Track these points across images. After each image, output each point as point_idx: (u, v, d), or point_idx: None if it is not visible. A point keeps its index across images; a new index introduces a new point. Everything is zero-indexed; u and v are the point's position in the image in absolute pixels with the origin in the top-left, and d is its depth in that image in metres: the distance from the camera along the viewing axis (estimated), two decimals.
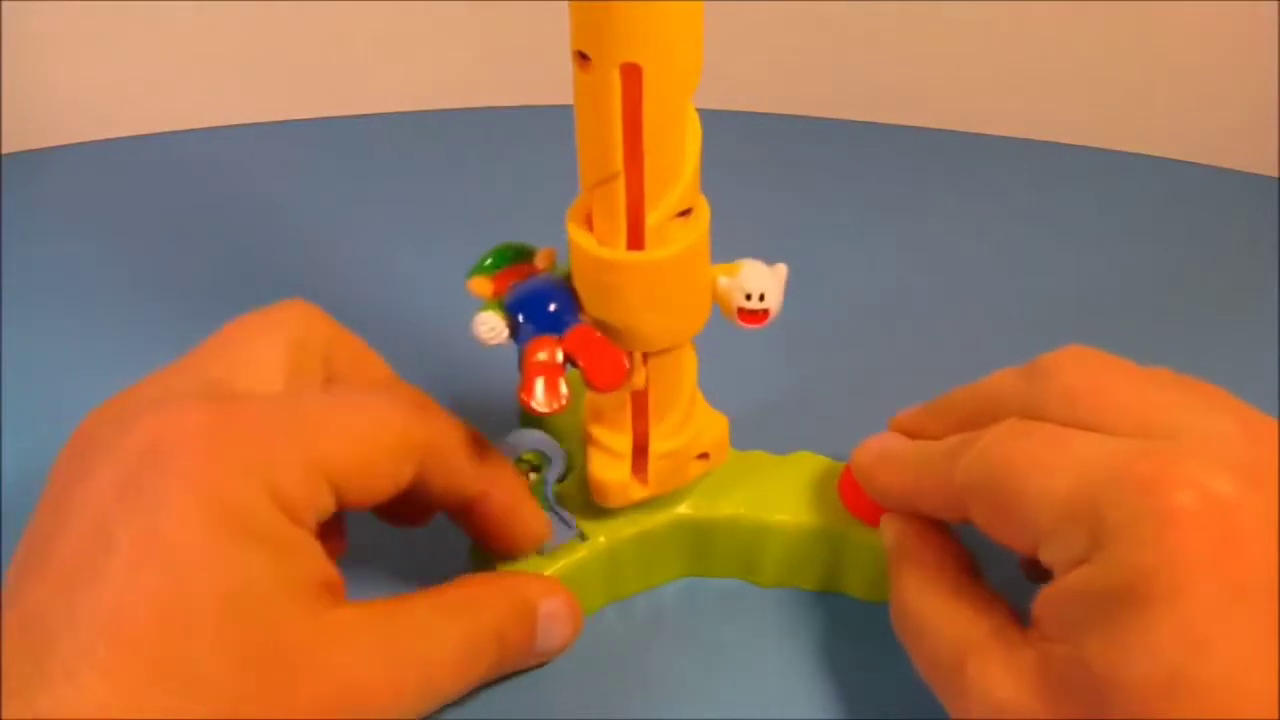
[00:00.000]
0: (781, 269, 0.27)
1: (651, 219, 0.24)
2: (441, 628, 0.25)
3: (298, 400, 0.24)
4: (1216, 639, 0.20)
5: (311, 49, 0.49)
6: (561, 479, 0.30)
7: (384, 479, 0.25)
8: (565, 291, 0.26)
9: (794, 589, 0.31)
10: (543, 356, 0.25)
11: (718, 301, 0.27)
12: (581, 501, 0.30)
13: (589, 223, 0.25)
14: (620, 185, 0.24)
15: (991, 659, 0.24)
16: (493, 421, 0.34)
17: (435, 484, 0.26)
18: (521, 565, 0.29)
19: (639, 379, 0.27)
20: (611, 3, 0.21)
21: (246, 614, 0.21)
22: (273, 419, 0.23)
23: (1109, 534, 0.21)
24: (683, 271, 0.25)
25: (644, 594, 0.31)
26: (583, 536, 0.30)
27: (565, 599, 0.28)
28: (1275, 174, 0.48)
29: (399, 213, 0.46)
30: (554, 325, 0.26)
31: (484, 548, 0.29)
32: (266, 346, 0.25)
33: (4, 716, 0.19)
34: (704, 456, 0.29)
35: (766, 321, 0.26)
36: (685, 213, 0.25)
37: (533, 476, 0.29)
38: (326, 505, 0.24)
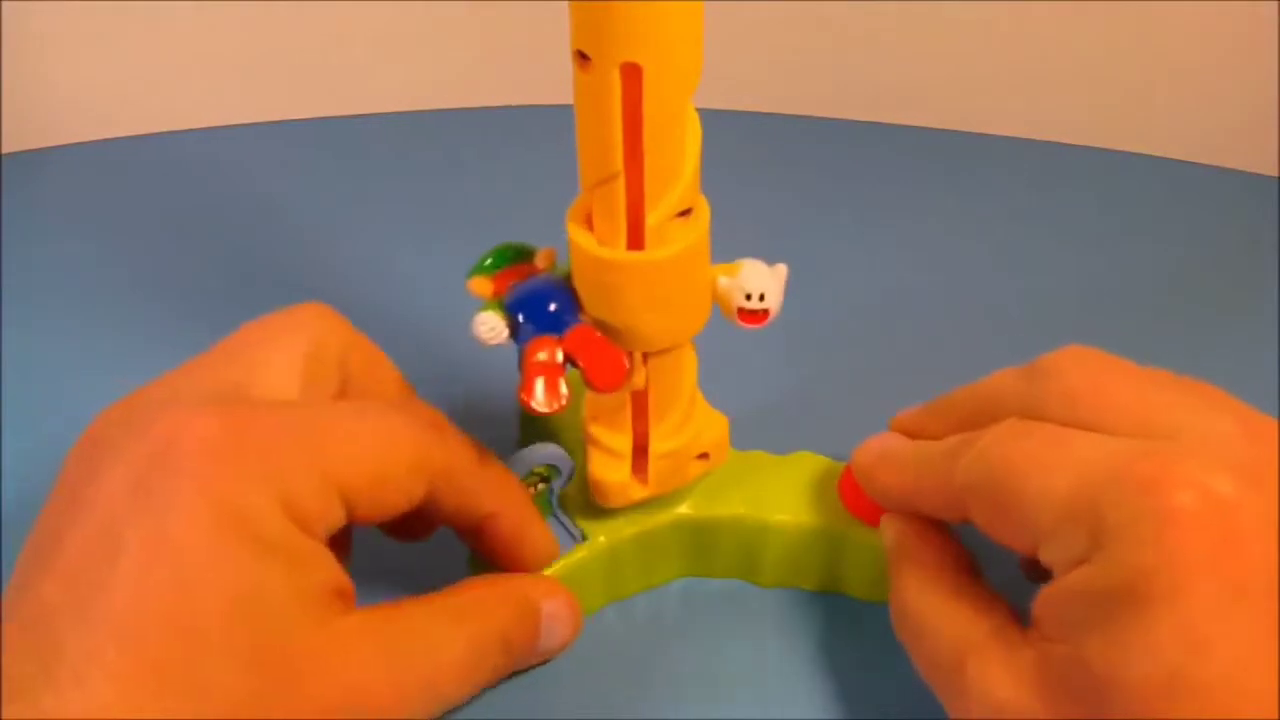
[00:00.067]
0: (781, 269, 0.27)
1: (651, 219, 0.24)
2: (447, 633, 0.25)
3: (313, 410, 0.24)
4: (1216, 639, 0.20)
5: (311, 49, 0.49)
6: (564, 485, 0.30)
7: (396, 496, 0.25)
8: (565, 291, 0.26)
9: (794, 589, 0.31)
10: (543, 356, 0.25)
11: (718, 301, 0.27)
12: (581, 501, 0.30)
13: (589, 223, 0.25)
14: (620, 185, 0.24)
15: (991, 659, 0.24)
16: (493, 423, 0.34)
17: (446, 504, 0.26)
18: None
19: (639, 379, 0.27)
20: (611, 3, 0.21)
21: (254, 620, 0.21)
22: (287, 428, 0.23)
23: (1109, 534, 0.21)
24: (683, 271, 0.25)
25: (644, 594, 0.31)
26: (583, 537, 0.30)
27: (566, 599, 0.28)
28: (1275, 174, 0.48)
29: (399, 213, 0.46)
30: (554, 325, 0.26)
31: (491, 564, 0.29)
32: (283, 351, 0.25)
33: (7, 717, 0.19)
34: (704, 456, 0.29)
35: (766, 321, 0.26)
36: (685, 213, 0.25)
37: (540, 487, 0.29)
38: (337, 518, 0.24)
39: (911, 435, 0.29)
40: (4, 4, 0.45)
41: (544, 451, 0.28)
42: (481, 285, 0.27)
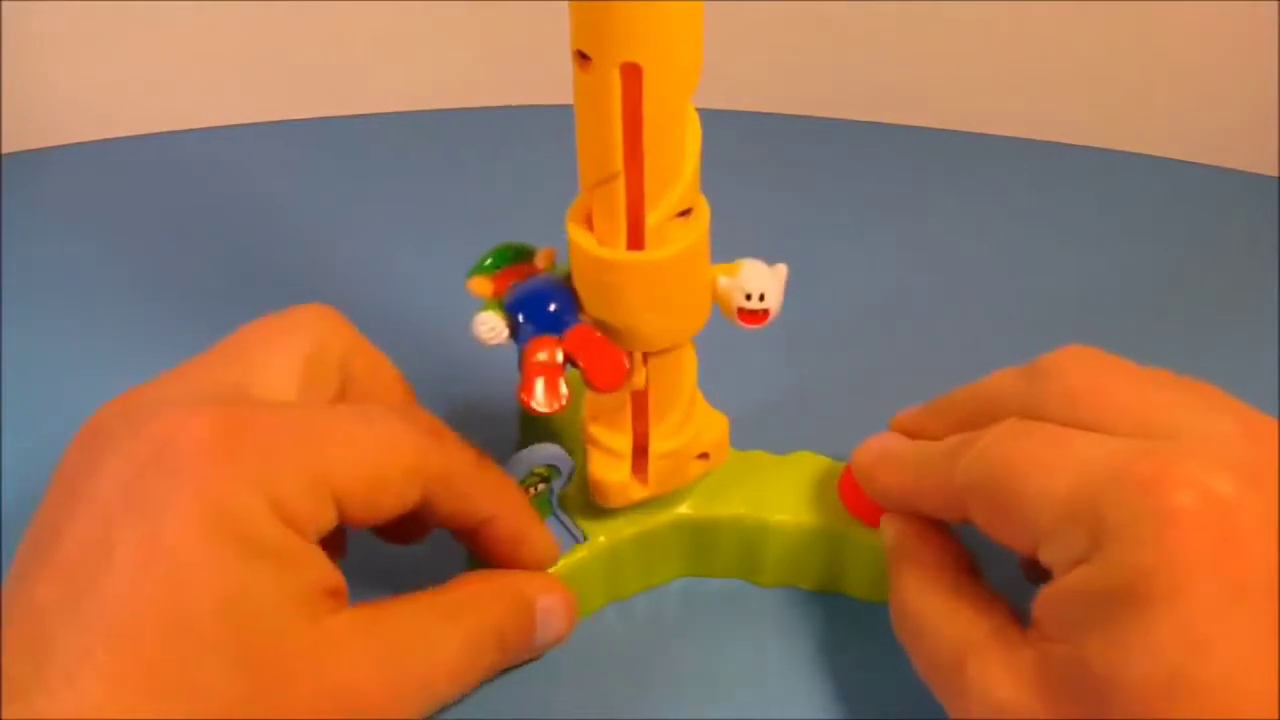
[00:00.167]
0: (781, 269, 0.27)
1: (651, 219, 0.24)
2: (441, 630, 0.25)
3: (309, 412, 0.24)
4: (1216, 639, 0.20)
5: (310, 49, 0.49)
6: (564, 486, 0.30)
7: (391, 500, 0.25)
8: (565, 291, 0.26)
9: (794, 589, 0.31)
10: (543, 356, 0.25)
11: (718, 301, 0.27)
12: (581, 501, 0.30)
13: (589, 223, 0.25)
14: (620, 185, 0.24)
15: (991, 659, 0.24)
16: (493, 423, 0.34)
17: (442, 508, 0.26)
18: None
19: (639, 379, 0.27)
20: (611, 3, 0.21)
21: (245, 621, 0.21)
22: (282, 429, 0.23)
23: (1109, 534, 0.21)
24: (683, 271, 0.25)
25: (644, 594, 0.31)
26: (583, 537, 0.30)
27: (561, 593, 0.28)
28: (1275, 174, 0.48)
29: (399, 213, 0.46)
30: (554, 325, 0.26)
31: (490, 566, 0.29)
32: (283, 352, 0.25)
33: (6, 717, 0.19)
34: (704, 456, 0.29)
35: (766, 321, 0.26)
36: (685, 213, 0.25)
37: (540, 487, 0.29)
38: (329, 520, 0.24)
39: (911, 435, 0.29)
40: (4, 4, 0.45)
41: (544, 451, 0.28)
42: (481, 285, 0.27)
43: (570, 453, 0.29)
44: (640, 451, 0.29)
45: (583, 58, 0.22)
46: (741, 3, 0.47)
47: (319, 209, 0.46)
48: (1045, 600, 0.23)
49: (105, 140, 0.49)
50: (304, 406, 0.25)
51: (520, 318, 0.26)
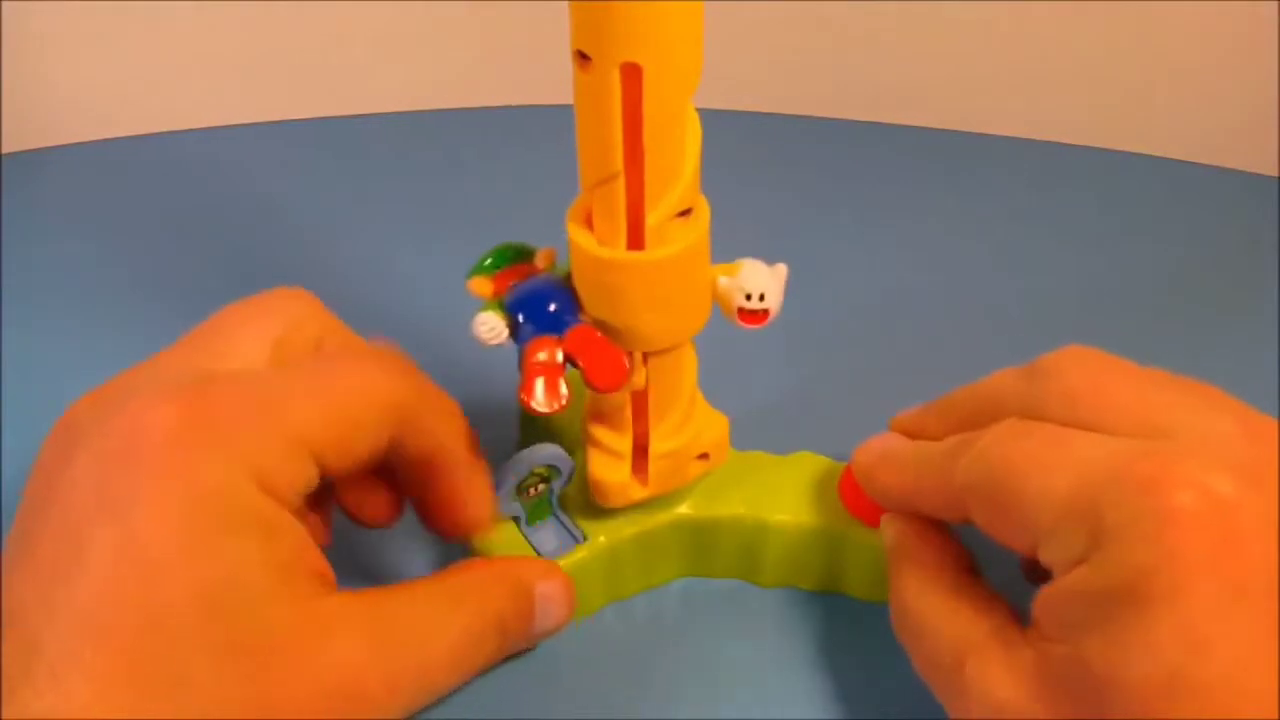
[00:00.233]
0: (781, 269, 0.27)
1: (651, 219, 0.24)
2: (440, 617, 0.25)
3: (271, 375, 0.24)
4: (1216, 639, 0.20)
5: (311, 49, 0.49)
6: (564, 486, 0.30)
7: (366, 440, 0.24)
8: (565, 291, 0.26)
9: (794, 589, 0.31)
10: (543, 356, 0.25)
11: (718, 301, 0.27)
12: (581, 501, 0.30)
13: (589, 223, 0.25)
14: (620, 185, 0.24)
15: (991, 659, 0.24)
16: (493, 423, 0.34)
17: (409, 444, 0.26)
18: None
19: (639, 379, 0.27)
20: (611, 3, 0.21)
21: (230, 608, 0.21)
22: (247, 396, 0.23)
23: (1109, 534, 0.21)
24: (683, 271, 0.25)
25: (644, 594, 0.31)
26: (583, 537, 0.30)
27: (561, 580, 0.28)
28: (1275, 174, 0.48)
29: (399, 213, 0.46)
30: (554, 325, 0.26)
31: (434, 524, 0.28)
32: (253, 335, 0.25)
33: (6, 717, 0.19)
34: (704, 456, 0.29)
35: (766, 321, 0.26)
36: (685, 213, 0.25)
37: (540, 487, 0.29)
38: (310, 478, 0.24)
39: (911, 435, 0.29)
40: (4, 4, 0.45)
41: (544, 452, 0.28)
42: (481, 285, 0.27)
43: (570, 453, 0.29)
44: (640, 451, 0.29)
45: (583, 58, 0.22)
46: (741, 3, 0.47)
47: (319, 209, 0.46)
48: (1045, 600, 0.23)
49: (105, 140, 0.49)
50: (266, 371, 0.24)
51: (520, 318, 0.26)
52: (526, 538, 0.29)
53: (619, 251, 0.25)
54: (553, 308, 0.26)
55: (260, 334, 0.25)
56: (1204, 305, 0.42)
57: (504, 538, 0.29)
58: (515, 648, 0.28)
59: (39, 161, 0.48)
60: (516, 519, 0.29)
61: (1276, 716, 0.20)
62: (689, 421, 0.29)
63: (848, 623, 0.30)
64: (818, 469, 0.31)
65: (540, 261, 0.27)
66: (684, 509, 0.30)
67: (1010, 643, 0.24)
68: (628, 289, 0.25)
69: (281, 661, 0.22)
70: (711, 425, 0.29)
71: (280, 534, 0.23)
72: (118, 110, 0.49)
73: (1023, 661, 0.23)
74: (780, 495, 0.30)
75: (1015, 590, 0.26)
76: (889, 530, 0.28)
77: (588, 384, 0.26)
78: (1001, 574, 0.27)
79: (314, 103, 0.50)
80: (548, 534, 0.30)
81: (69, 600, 0.20)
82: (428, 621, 0.25)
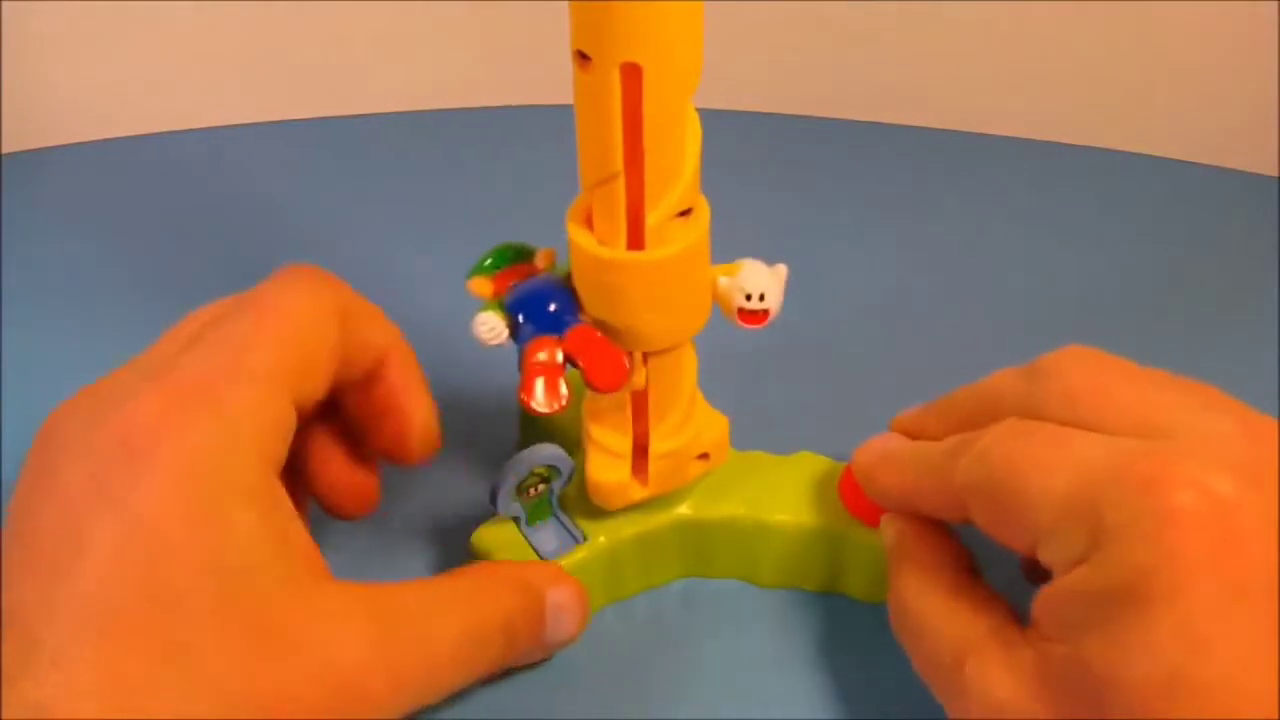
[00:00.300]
0: (781, 269, 0.27)
1: (651, 219, 0.24)
2: (446, 616, 0.25)
3: (219, 330, 0.24)
4: (1216, 639, 0.20)
5: (311, 49, 0.49)
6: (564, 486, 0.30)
7: (324, 352, 0.25)
8: (565, 291, 0.26)
9: (794, 589, 0.31)
10: (543, 356, 0.25)
11: (718, 301, 0.27)
12: (582, 502, 0.30)
13: (589, 223, 0.25)
14: (620, 185, 0.24)
15: (991, 659, 0.24)
16: (493, 423, 0.34)
17: (353, 347, 0.26)
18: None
19: (639, 379, 0.27)
20: (611, 3, 0.21)
21: (235, 584, 0.21)
22: (211, 359, 0.23)
23: (1109, 534, 0.21)
24: (683, 271, 0.25)
25: (644, 594, 0.31)
26: (583, 537, 0.30)
27: (574, 588, 0.28)
28: (1275, 174, 0.48)
29: (399, 213, 0.46)
30: (554, 325, 0.26)
31: (384, 444, 0.28)
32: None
33: (4, 716, 0.19)
34: (704, 457, 0.29)
35: (766, 321, 0.26)
36: (685, 213, 0.25)
37: (540, 487, 0.29)
38: (290, 418, 0.24)
39: (911, 435, 0.29)
40: (4, 4, 0.45)
41: (544, 452, 0.28)
42: (481, 285, 0.27)
43: (570, 453, 0.29)
44: (640, 452, 0.29)
45: (583, 58, 0.22)
46: (741, 3, 0.47)
47: (319, 209, 0.46)
48: (1045, 600, 0.23)
49: (105, 140, 0.49)
50: (213, 334, 0.24)
51: (520, 318, 0.26)
52: (526, 538, 0.29)
53: (619, 251, 0.25)
54: (553, 308, 0.26)
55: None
56: (1204, 305, 0.42)
57: (504, 538, 0.29)
58: (526, 654, 0.28)
59: (39, 161, 0.48)
60: (516, 519, 0.29)
61: (1277, 717, 0.20)
62: (689, 421, 0.29)
63: (848, 623, 0.30)
64: (818, 469, 0.31)
65: (540, 261, 0.27)
66: (684, 509, 0.30)
67: (1010, 643, 0.24)
68: (628, 289, 0.25)
69: (288, 641, 0.22)
70: (711, 425, 0.29)
71: (277, 504, 0.23)
72: (118, 110, 0.49)
73: (1022, 661, 0.23)
74: (780, 495, 0.30)
75: (1015, 590, 0.26)
76: (889, 530, 0.28)
77: (588, 384, 0.26)
78: (1001, 574, 0.27)
79: (314, 103, 0.50)
80: (548, 534, 0.30)
81: (70, 593, 0.20)
82: (433, 620, 0.24)
